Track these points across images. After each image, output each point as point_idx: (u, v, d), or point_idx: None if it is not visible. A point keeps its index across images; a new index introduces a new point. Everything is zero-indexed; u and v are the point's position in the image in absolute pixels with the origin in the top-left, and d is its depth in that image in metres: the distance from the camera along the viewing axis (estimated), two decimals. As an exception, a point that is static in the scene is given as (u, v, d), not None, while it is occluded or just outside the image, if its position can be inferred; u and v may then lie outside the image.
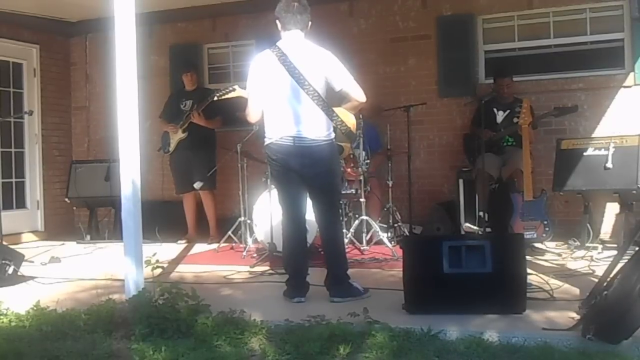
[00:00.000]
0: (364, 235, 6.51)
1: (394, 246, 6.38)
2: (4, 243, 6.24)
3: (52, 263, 6.59)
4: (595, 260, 5.70)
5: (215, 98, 6.43)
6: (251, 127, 6.07)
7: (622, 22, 7.22)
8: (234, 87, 5.86)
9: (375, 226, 6.51)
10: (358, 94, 4.60)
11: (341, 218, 5.70)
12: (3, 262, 5.42)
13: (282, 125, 4.55)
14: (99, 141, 9.38)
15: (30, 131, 8.96)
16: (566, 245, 6.39)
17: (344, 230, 5.84)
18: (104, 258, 7.03)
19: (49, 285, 5.44)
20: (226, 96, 6.17)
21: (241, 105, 4.97)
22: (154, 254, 4.69)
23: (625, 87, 7.10)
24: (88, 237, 8.25)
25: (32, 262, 6.45)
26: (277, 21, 4.67)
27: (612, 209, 6.89)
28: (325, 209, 4.67)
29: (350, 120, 4.79)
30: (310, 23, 4.67)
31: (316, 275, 4.71)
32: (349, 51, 6.97)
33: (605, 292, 3.42)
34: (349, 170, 6.49)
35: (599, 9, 7.30)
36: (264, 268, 5.86)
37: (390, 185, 7.12)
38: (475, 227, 6.56)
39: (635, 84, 7.06)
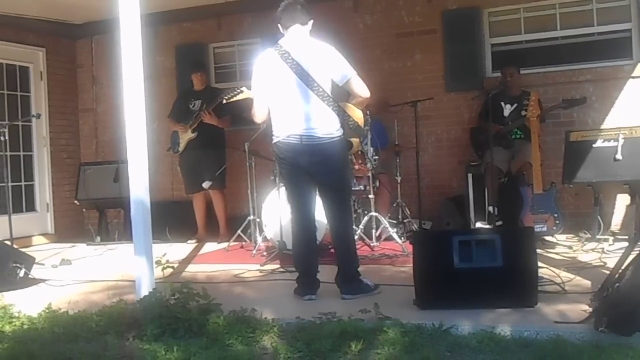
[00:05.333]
0: (373, 231, 6.51)
1: (403, 242, 6.38)
2: (15, 246, 6.27)
3: (63, 265, 6.61)
4: (607, 252, 5.67)
5: (224, 101, 6.44)
6: (259, 125, 6.08)
7: (629, 12, 7.18)
8: (241, 89, 5.86)
9: (385, 222, 6.50)
10: (361, 89, 4.58)
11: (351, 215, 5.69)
12: (14, 265, 5.44)
13: (289, 123, 4.55)
14: (107, 143, 9.40)
15: (38, 134, 8.99)
16: (577, 238, 6.38)
17: (354, 227, 5.83)
18: (114, 259, 7.05)
19: (60, 288, 5.46)
20: (234, 98, 6.18)
21: (248, 105, 4.97)
22: (164, 254, 4.71)
23: (633, 77, 7.05)
24: (98, 238, 8.28)
25: (42, 264, 6.46)
26: (279, 25, 4.67)
27: (622, 201, 6.86)
28: (335, 207, 4.66)
29: (357, 115, 4.77)
30: (312, 20, 4.66)
31: (327, 273, 4.70)
32: (355, 47, 6.98)
33: (617, 284, 3.41)
34: (357, 166, 6.48)
35: (605, 0, 7.26)
36: (274, 266, 5.86)
37: (399, 180, 7.11)
38: (486, 226, 6.52)
39: (643, 74, 7.03)
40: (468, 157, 7.37)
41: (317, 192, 4.72)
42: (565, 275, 4.74)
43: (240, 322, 3.81)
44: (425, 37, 7.89)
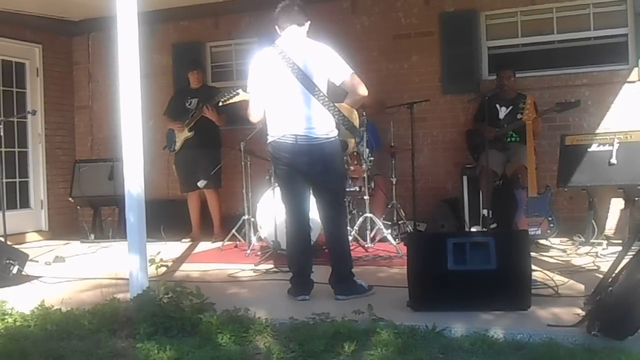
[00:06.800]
0: (368, 232, 6.51)
1: (398, 243, 6.38)
2: (8, 243, 6.25)
3: (57, 262, 6.59)
4: (600, 256, 5.69)
5: (220, 103, 6.44)
6: (254, 125, 6.07)
7: (625, 17, 7.20)
8: (237, 91, 5.87)
9: (380, 223, 6.50)
10: (359, 88, 4.57)
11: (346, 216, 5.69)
12: (7, 262, 5.43)
13: (284, 123, 4.54)
14: (102, 140, 9.40)
15: (33, 131, 8.97)
16: (571, 242, 6.38)
17: (348, 228, 5.83)
18: (108, 257, 7.04)
19: (53, 285, 5.44)
20: (230, 101, 6.19)
21: (243, 104, 4.97)
22: (158, 253, 4.70)
23: (629, 82, 7.08)
24: (92, 236, 8.26)
25: (36, 261, 6.44)
26: (276, 26, 4.67)
27: (616, 205, 6.88)
28: (329, 207, 4.65)
29: (352, 115, 4.76)
30: (309, 22, 4.66)
31: (321, 273, 4.70)
32: (352, 48, 6.98)
33: (611, 288, 3.41)
34: (352, 167, 6.48)
35: (602, 4, 7.28)
36: (268, 266, 5.85)
37: (394, 182, 7.12)
38: (482, 230, 6.52)
39: (639, 79, 7.04)
40: (463, 159, 7.38)
41: (312, 192, 4.72)
42: (558, 278, 4.75)
43: (234, 322, 3.80)
44: (422, 39, 7.90)
